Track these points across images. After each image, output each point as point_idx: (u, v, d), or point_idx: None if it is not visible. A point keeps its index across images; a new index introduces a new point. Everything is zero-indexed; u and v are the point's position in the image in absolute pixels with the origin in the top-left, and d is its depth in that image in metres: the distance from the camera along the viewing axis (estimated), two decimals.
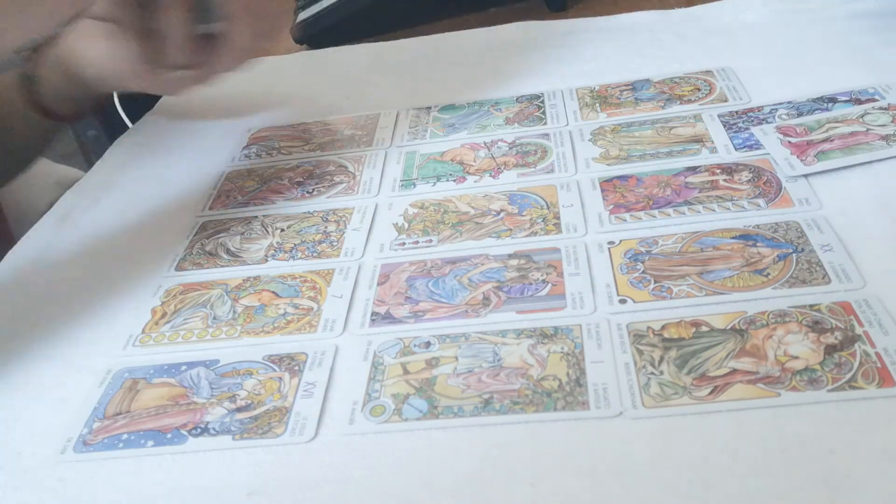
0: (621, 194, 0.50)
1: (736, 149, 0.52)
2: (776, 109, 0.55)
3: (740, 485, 0.32)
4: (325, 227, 0.52)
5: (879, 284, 0.40)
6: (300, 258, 0.50)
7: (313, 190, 0.57)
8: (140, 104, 0.77)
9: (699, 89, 0.60)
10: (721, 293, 0.41)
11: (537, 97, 0.63)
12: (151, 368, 0.43)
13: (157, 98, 0.76)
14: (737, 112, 0.56)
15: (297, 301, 0.46)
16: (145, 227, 0.57)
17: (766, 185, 0.48)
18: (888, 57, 0.59)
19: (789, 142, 0.51)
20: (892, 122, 0.51)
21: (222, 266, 0.50)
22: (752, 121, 0.54)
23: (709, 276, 0.42)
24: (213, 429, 0.39)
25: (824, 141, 0.50)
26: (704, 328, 0.39)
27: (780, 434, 0.34)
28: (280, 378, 0.41)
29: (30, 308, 0.50)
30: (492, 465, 0.35)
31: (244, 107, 0.71)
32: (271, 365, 0.42)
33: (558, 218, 0.49)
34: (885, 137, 0.50)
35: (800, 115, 0.54)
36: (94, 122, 1.25)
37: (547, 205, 0.50)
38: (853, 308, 0.39)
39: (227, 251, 0.52)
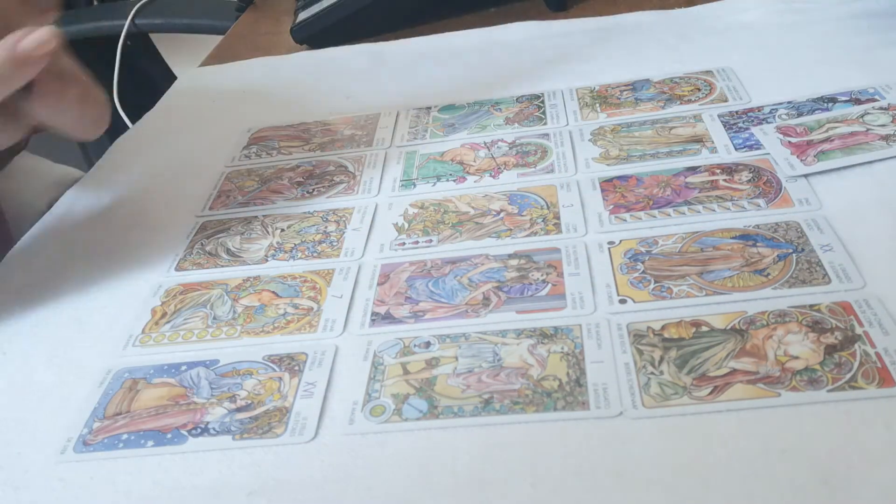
0: (621, 194, 0.50)
1: (736, 149, 0.52)
2: (776, 109, 0.55)
3: (740, 485, 0.32)
4: (325, 227, 0.52)
5: (879, 284, 0.40)
6: (300, 258, 0.50)
7: (313, 190, 0.57)
8: (140, 104, 0.77)
9: (699, 89, 0.60)
10: (721, 293, 0.41)
11: (537, 97, 0.63)
12: (151, 368, 0.43)
13: (157, 98, 0.76)
14: (737, 112, 0.56)
15: (297, 301, 0.46)
16: (145, 227, 0.57)
17: (766, 185, 0.48)
18: (888, 57, 0.59)
19: (789, 142, 0.51)
20: (892, 122, 0.51)
21: (222, 266, 0.50)
22: (752, 121, 0.54)
23: (709, 276, 0.42)
24: (213, 429, 0.39)
25: (824, 141, 0.50)
26: (704, 328, 0.39)
27: (780, 434, 0.34)
28: (280, 378, 0.41)
29: (29, 308, 0.50)
30: (492, 465, 0.35)
31: (244, 107, 0.71)
32: (271, 365, 0.42)
33: (558, 218, 0.49)
34: (885, 137, 0.50)
35: (800, 115, 0.54)
36: None
37: (547, 205, 0.50)
38: (853, 308, 0.39)
39: (227, 251, 0.52)
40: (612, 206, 0.49)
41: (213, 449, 0.38)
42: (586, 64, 0.67)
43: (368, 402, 0.39)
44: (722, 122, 0.55)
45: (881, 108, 0.52)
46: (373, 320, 0.44)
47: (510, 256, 0.47)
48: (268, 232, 0.53)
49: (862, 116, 0.52)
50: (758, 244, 0.44)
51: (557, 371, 0.38)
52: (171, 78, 0.93)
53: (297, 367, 0.42)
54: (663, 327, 0.40)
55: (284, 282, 0.48)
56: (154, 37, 1.45)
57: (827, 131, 0.51)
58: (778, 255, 0.43)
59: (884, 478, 0.31)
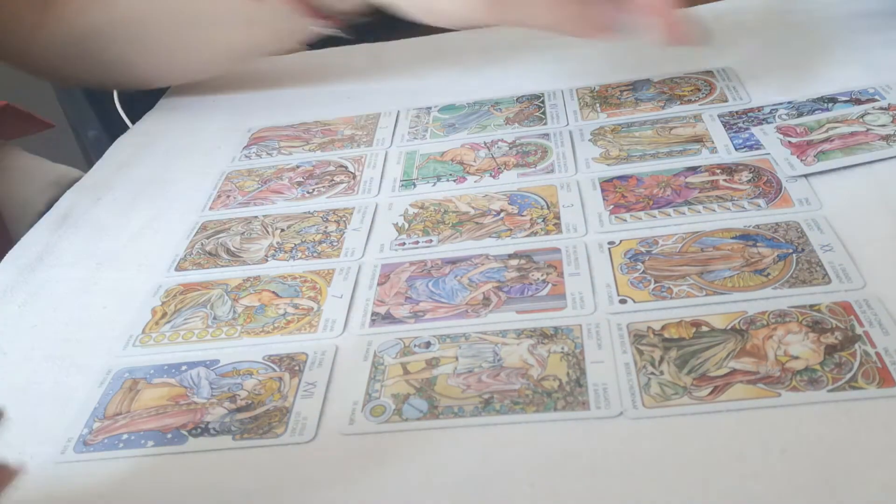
0: (621, 194, 0.50)
1: (736, 149, 0.52)
2: (776, 109, 0.55)
3: (740, 485, 0.32)
4: (325, 227, 0.52)
5: (879, 284, 0.40)
6: (300, 258, 0.50)
7: (313, 190, 0.57)
8: (140, 104, 0.77)
9: (699, 89, 0.60)
10: (721, 293, 0.41)
11: (537, 97, 0.63)
12: (151, 368, 0.43)
13: (157, 98, 0.76)
14: (737, 112, 0.56)
15: (297, 301, 0.46)
16: (145, 226, 0.57)
17: (767, 185, 0.48)
18: (888, 57, 0.59)
19: (789, 142, 0.51)
20: (892, 122, 0.51)
21: (222, 266, 0.50)
22: (752, 121, 0.54)
23: (709, 276, 0.42)
24: (213, 429, 0.39)
25: (824, 141, 0.50)
26: (704, 328, 0.39)
27: (780, 434, 0.34)
28: (280, 378, 0.41)
29: (29, 308, 0.50)
30: (492, 465, 0.35)
31: (244, 107, 0.71)
32: (271, 365, 0.42)
33: (558, 218, 0.49)
34: (886, 137, 0.50)
35: (800, 115, 0.54)
36: (94, 122, 1.25)
37: (547, 205, 0.50)
38: (853, 308, 0.39)
39: (227, 251, 0.52)
40: (612, 206, 0.49)
41: (213, 449, 0.38)
42: (586, 64, 0.67)
43: (368, 402, 0.39)
44: (722, 122, 0.55)
45: (881, 108, 0.52)
46: (373, 320, 0.44)
47: (510, 256, 0.47)
48: (268, 232, 0.53)
49: (862, 116, 0.52)
50: (758, 244, 0.44)
51: (557, 371, 0.38)
52: None
53: (297, 367, 0.42)
54: (663, 327, 0.40)
55: (284, 282, 0.48)
56: None
57: (827, 131, 0.51)
58: (778, 255, 0.43)
59: (884, 478, 0.31)
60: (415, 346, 0.42)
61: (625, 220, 0.48)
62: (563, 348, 0.40)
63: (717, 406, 0.35)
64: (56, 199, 0.62)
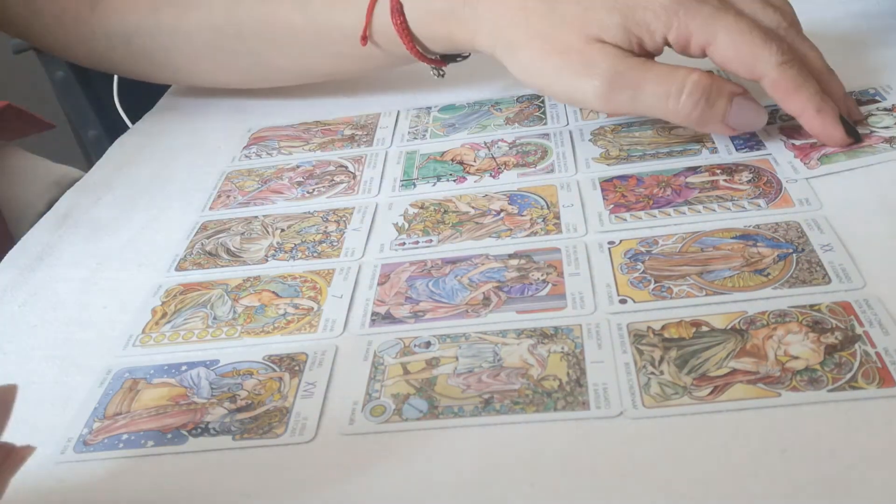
0: (621, 194, 0.50)
1: (736, 149, 0.52)
2: (777, 110, 0.54)
3: (740, 485, 0.32)
4: (325, 227, 0.52)
5: (880, 284, 0.40)
6: (300, 258, 0.50)
7: (313, 190, 0.57)
8: (140, 104, 0.77)
9: None
10: (721, 293, 0.41)
11: (537, 97, 0.63)
12: (151, 368, 0.43)
13: (156, 98, 0.76)
14: None
15: (297, 301, 0.46)
16: (145, 226, 0.57)
17: (767, 186, 0.48)
18: (888, 57, 0.59)
19: (793, 144, 0.51)
20: (895, 124, 0.51)
21: (222, 266, 0.50)
22: None
23: (709, 276, 0.42)
24: (213, 429, 0.39)
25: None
26: (704, 328, 0.39)
27: (780, 434, 0.34)
28: (280, 378, 0.41)
29: (29, 308, 0.50)
30: (492, 465, 0.35)
31: (244, 107, 0.71)
32: (271, 365, 0.42)
33: (558, 218, 0.49)
34: (889, 140, 0.49)
35: None
36: (94, 122, 1.25)
37: (547, 205, 0.50)
38: (853, 308, 0.39)
39: (227, 251, 0.52)
40: (612, 206, 0.49)
41: (213, 449, 0.38)
42: None
43: (368, 402, 0.39)
44: None
45: (885, 110, 0.52)
46: (373, 320, 0.44)
47: (510, 256, 0.47)
48: (268, 232, 0.53)
49: (866, 118, 0.52)
50: (758, 244, 0.44)
51: (557, 371, 0.38)
52: None
53: (297, 367, 0.42)
54: (663, 327, 0.40)
55: (284, 282, 0.48)
56: None
57: None
58: (778, 255, 0.43)
59: (884, 478, 0.31)
60: (415, 346, 0.42)
61: (625, 220, 0.48)
62: (563, 348, 0.40)
63: (717, 406, 0.35)
64: (56, 199, 0.62)
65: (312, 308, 0.45)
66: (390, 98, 0.67)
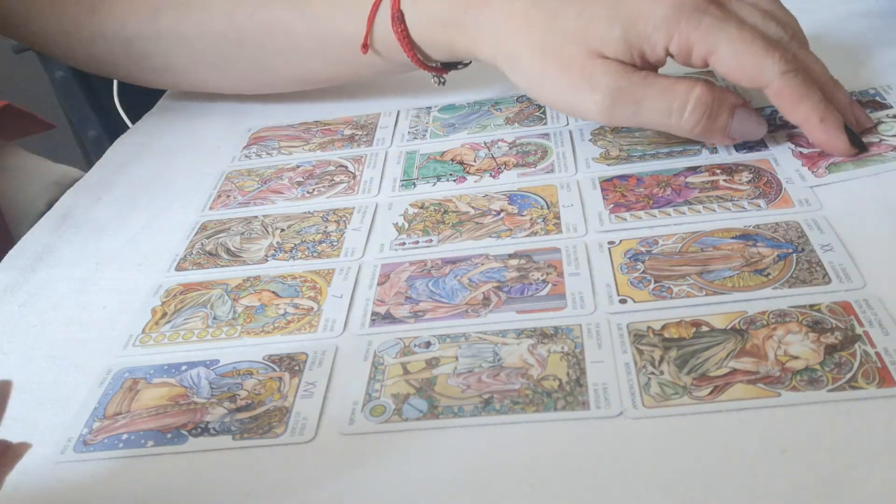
0: (621, 194, 0.50)
1: (736, 149, 0.52)
2: (777, 112, 0.54)
3: (740, 485, 0.32)
4: (325, 227, 0.52)
5: (880, 284, 0.40)
6: (300, 258, 0.50)
7: (313, 190, 0.57)
8: (140, 104, 0.77)
9: None
10: (721, 293, 0.41)
11: None
12: (151, 368, 0.43)
13: (156, 98, 0.76)
14: None
15: (297, 301, 0.46)
16: (145, 226, 0.57)
17: (767, 186, 0.48)
18: (888, 57, 0.59)
19: (801, 153, 0.51)
20: None
21: (222, 266, 0.50)
22: None
23: (709, 276, 0.42)
24: (213, 429, 0.39)
25: None
26: (704, 328, 0.39)
27: (780, 434, 0.34)
28: (280, 378, 0.41)
29: (29, 308, 0.50)
30: (492, 465, 0.35)
31: (244, 107, 0.71)
32: (271, 365, 0.42)
33: (558, 218, 0.49)
34: None
35: None
36: (94, 122, 1.25)
37: (547, 205, 0.51)
38: (853, 308, 0.39)
39: (227, 251, 0.52)
40: (612, 206, 0.49)
41: (213, 449, 0.38)
42: None
43: (368, 402, 0.39)
44: None
45: (894, 118, 0.52)
46: (373, 320, 0.44)
47: (510, 256, 0.47)
48: (268, 232, 0.53)
49: (876, 126, 0.51)
50: (758, 244, 0.44)
51: (557, 371, 0.38)
52: None
53: (297, 367, 0.42)
54: (663, 327, 0.40)
55: (284, 282, 0.48)
56: None
57: None
58: (778, 255, 0.43)
59: (884, 478, 0.31)
60: (415, 345, 0.42)
61: (625, 220, 0.48)
62: (563, 348, 0.40)
63: (717, 406, 0.35)
64: (56, 199, 0.62)
65: (312, 308, 0.45)
66: (390, 98, 0.67)
